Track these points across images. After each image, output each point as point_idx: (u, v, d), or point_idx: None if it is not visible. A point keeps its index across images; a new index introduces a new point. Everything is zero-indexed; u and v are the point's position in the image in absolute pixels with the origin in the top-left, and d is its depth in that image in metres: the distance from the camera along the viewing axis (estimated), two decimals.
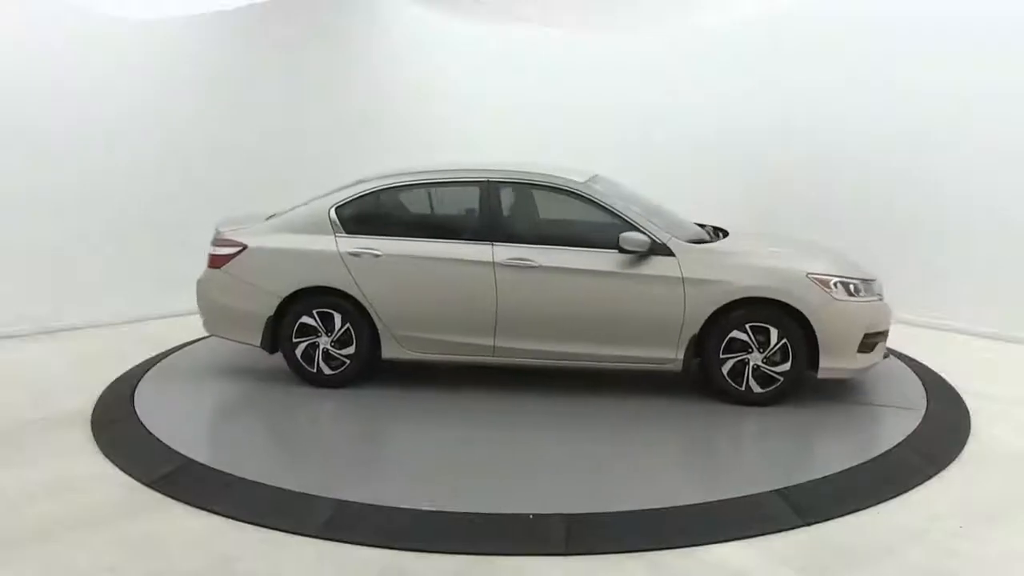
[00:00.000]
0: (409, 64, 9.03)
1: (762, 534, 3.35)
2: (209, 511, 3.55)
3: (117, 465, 4.05)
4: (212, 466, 3.97)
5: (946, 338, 6.69)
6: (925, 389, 5.20)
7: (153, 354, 5.95)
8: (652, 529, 3.42)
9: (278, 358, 5.30)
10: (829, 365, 4.72)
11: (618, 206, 5.00)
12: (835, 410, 4.86)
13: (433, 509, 3.51)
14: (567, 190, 5.06)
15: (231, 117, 7.72)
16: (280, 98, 8.03)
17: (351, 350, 5.14)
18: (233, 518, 3.49)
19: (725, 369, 4.82)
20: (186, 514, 3.55)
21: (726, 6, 8.32)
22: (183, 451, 4.14)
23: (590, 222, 5.02)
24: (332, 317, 5.13)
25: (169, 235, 7.34)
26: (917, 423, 4.58)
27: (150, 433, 4.40)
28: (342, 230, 5.19)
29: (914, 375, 5.52)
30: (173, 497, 3.69)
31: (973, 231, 6.77)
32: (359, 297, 5.06)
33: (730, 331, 4.76)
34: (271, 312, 5.14)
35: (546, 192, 5.16)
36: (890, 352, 5.90)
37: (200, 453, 4.12)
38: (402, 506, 3.56)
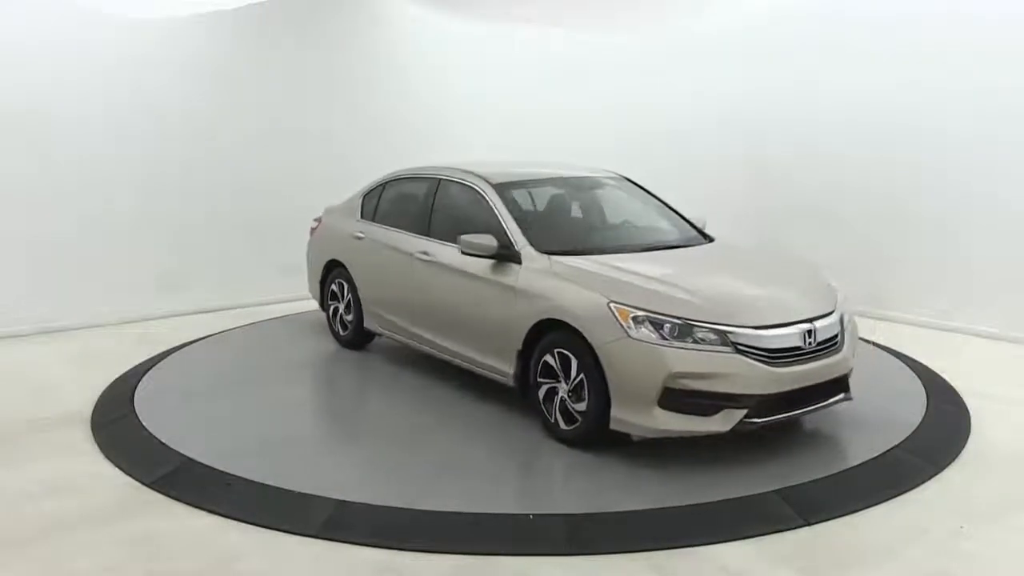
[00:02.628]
0: (409, 64, 9.03)
1: (762, 534, 3.35)
2: (209, 511, 3.54)
3: (117, 465, 4.05)
4: (212, 466, 3.97)
5: (946, 338, 6.68)
6: (925, 389, 5.19)
7: (153, 354, 5.95)
8: (652, 529, 3.42)
9: (278, 358, 5.34)
10: (619, 415, 3.90)
11: (503, 207, 4.78)
12: (835, 410, 4.84)
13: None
14: (471, 187, 5.09)
15: (231, 117, 7.71)
16: (281, 98, 8.03)
17: (351, 319, 5.98)
18: (233, 518, 3.49)
19: (540, 394, 4.31)
20: (186, 514, 3.55)
21: (726, 5, 8.32)
22: (183, 451, 4.13)
23: (480, 221, 4.86)
24: (344, 288, 6.04)
25: (169, 235, 7.34)
26: (917, 423, 4.58)
27: (150, 433, 4.40)
28: (360, 215, 6.03)
29: (914, 375, 5.51)
30: (173, 497, 3.68)
31: (973, 231, 6.76)
32: (352, 274, 5.90)
33: (544, 354, 4.26)
34: (319, 277, 6.31)
35: (464, 189, 5.18)
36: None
37: (200, 453, 4.11)
38: (402, 506, 3.56)
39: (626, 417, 3.89)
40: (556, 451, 4.22)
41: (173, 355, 5.99)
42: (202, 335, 6.50)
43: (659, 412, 3.81)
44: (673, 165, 8.79)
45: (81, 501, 3.67)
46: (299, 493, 3.68)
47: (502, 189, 4.97)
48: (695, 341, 3.80)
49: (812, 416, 4.74)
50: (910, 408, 4.83)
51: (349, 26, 8.56)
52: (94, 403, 4.93)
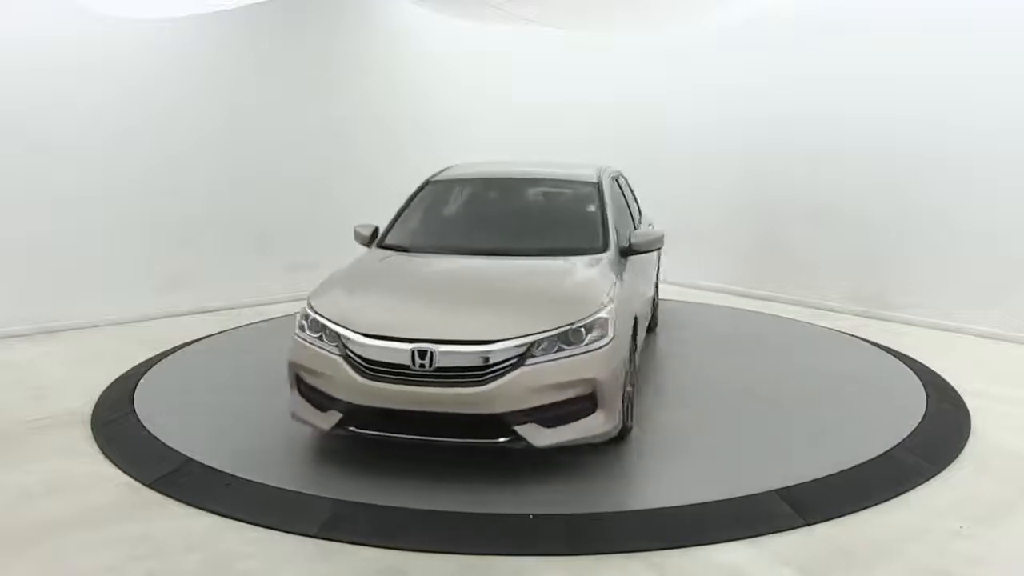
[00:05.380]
0: (410, 63, 9.03)
1: (762, 534, 3.35)
2: (209, 511, 3.54)
3: (117, 465, 4.05)
4: (212, 466, 3.97)
5: (946, 338, 6.68)
6: (925, 389, 5.19)
7: (153, 354, 5.95)
8: (652, 529, 3.42)
9: (278, 357, 5.29)
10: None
11: (411, 200, 5.33)
12: (835, 410, 4.85)
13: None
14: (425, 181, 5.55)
15: (231, 117, 7.72)
16: (281, 98, 8.04)
17: None
18: (233, 518, 3.49)
19: None
20: (186, 514, 3.55)
21: (726, 5, 8.32)
22: (183, 451, 4.14)
23: None
24: None
25: (169, 235, 7.34)
26: (917, 423, 4.58)
27: (150, 433, 4.40)
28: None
29: (914, 375, 5.52)
30: (173, 497, 3.68)
31: (973, 231, 6.76)
32: None
33: None
34: None
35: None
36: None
37: (200, 453, 4.12)
38: (402, 506, 3.56)
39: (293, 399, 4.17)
40: (556, 451, 4.22)
41: (173, 355, 5.99)
42: (202, 335, 6.50)
43: (296, 397, 4.13)
44: (673, 162, 8.80)
45: (81, 501, 3.66)
46: (299, 493, 3.68)
47: (435, 184, 5.46)
48: (322, 339, 3.98)
49: (812, 416, 4.74)
50: (910, 408, 4.83)
51: (349, 25, 8.56)
52: (94, 403, 4.94)
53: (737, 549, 3.25)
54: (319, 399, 3.97)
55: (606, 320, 3.88)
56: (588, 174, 5.41)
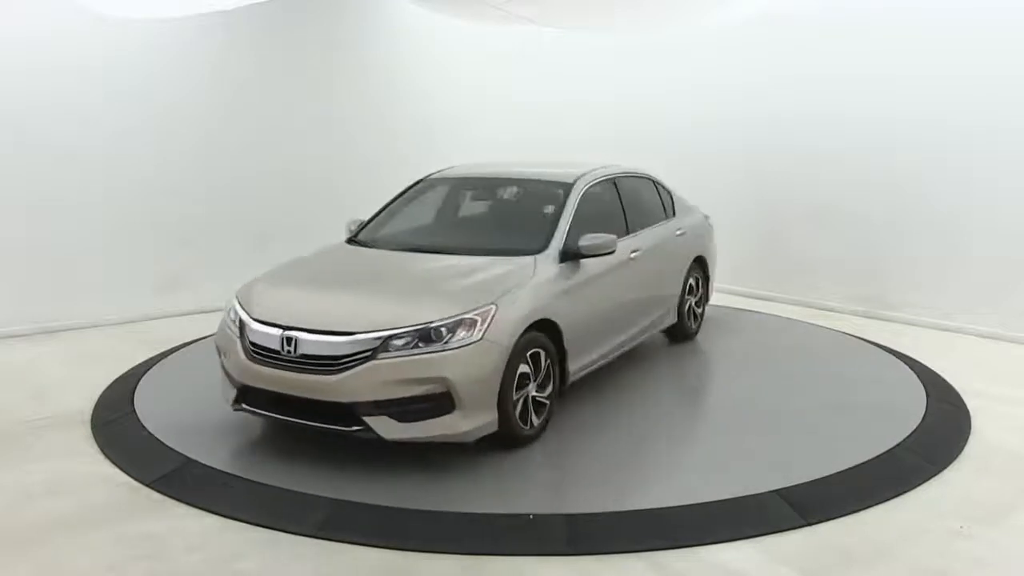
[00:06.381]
0: (411, 63, 9.03)
1: (762, 534, 3.35)
2: (209, 511, 3.54)
3: (117, 465, 4.05)
4: (212, 466, 3.97)
5: (946, 338, 6.68)
6: (925, 389, 5.19)
7: (153, 354, 5.95)
8: (652, 529, 3.42)
9: None
10: None
11: (395, 197, 5.60)
12: (835, 410, 4.85)
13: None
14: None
15: (232, 117, 7.71)
16: (281, 98, 8.03)
17: None
18: (233, 518, 3.49)
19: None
20: (186, 514, 3.55)
21: (727, 4, 8.32)
22: (183, 451, 4.14)
23: None
24: None
25: (169, 235, 7.34)
26: (917, 423, 4.58)
27: (150, 433, 4.40)
28: None
29: (914, 375, 5.51)
30: (173, 497, 3.68)
31: (973, 231, 6.76)
32: None
33: None
34: None
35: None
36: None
37: (200, 453, 4.12)
38: (402, 506, 3.56)
39: None
40: (556, 451, 4.22)
41: (173, 355, 5.99)
42: (202, 335, 6.49)
43: (221, 375, 4.38)
44: (674, 161, 8.80)
45: (81, 501, 3.67)
46: (299, 493, 3.68)
47: (420, 185, 5.66)
48: (234, 323, 4.27)
49: (812, 416, 4.75)
50: (910, 408, 4.83)
51: (350, 25, 8.56)
52: (94, 403, 4.93)
53: (737, 549, 3.25)
54: (226, 377, 4.29)
55: (474, 321, 3.89)
56: (566, 175, 5.28)
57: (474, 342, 3.85)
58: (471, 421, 3.87)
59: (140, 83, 7.10)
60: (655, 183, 6.22)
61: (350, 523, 3.45)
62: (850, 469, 3.95)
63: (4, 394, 5.19)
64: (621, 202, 5.58)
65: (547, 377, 4.33)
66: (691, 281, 6.29)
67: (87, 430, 4.53)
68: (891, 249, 7.32)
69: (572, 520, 3.47)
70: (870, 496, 3.69)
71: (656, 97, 9.02)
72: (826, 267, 7.82)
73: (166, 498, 3.69)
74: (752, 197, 8.41)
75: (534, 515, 3.51)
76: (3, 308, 6.45)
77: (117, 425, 4.58)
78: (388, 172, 7.52)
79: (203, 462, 4.01)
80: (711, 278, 6.74)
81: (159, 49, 7.18)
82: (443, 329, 3.84)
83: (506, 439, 4.12)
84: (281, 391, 3.96)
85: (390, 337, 3.80)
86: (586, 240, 4.68)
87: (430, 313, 3.87)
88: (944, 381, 5.40)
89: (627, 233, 5.38)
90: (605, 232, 4.81)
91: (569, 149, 7.85)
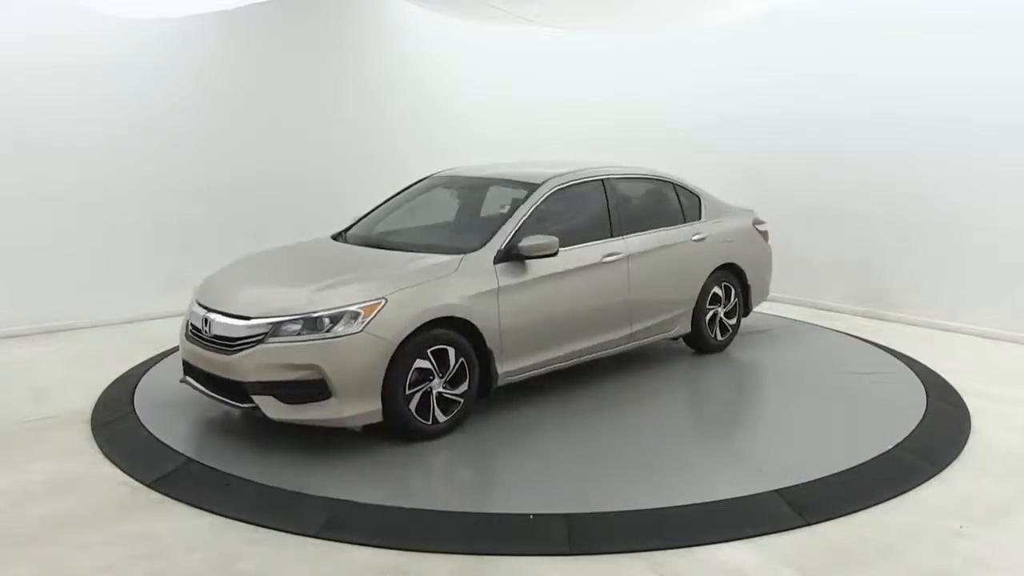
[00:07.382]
0: (411, 62, 9.03)
1: (762, 534, 3.35)
2: (209, 511, 3.55)
3: (117, 465, 4.05)
4: (212, 466, 3.97)
5: (946, 338, 6.68)
6: (925, 389, 5.19)
7: (153, 354, 5.95)
8: (652, 529, 3.42)
9: None
10: None
11: (389, 198, 5.76)
12: (835, 410, 4.85)
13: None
14: None
15: (232, 118, 7.71)
16: (281, 98, 8.03)
17: None
18: (233, 518, 3.49)
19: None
20: (186, 514, 3.55)
21: (727, 4, 8.31)
22: (183, 451, 4.14)
23: None
24: None
25: (169, 235, 7.34)
26: (917, 423, 4.58)
27: (150, 433, 4.40)
28: None
29: (914, 375, 5.51)
30: (173, 497, 3.69)
31: (973, 231, 6.76)
32: None
33: None
34: None
35: None
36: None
37: (200, 453, 4.13)
38: (402, 506, 3.56)
39: None
40: (556, 451, 4.22)
41: (173, 355, 5.96)
42: None
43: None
44: (673, 164, 8.78)
45: (81, 501, 3.67)
46: (299, 493, 3.68)
47: (413, 186, 5.79)
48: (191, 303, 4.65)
49: (812, 416, 4.75)
50: (910, 408, 4.83)
51: (350, 25, 8.56)
52: (94, 403, 4.94)
53: (737, 549, 3.25)
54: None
55: (357, 314, 4.03)
56: (537, 176, 5.17)
57: (353, 333, 4.00)
58: (351, 408, 4.02)
59: (140, 83, 7.10)
60: (675, 186, 5.98)
61: (350, 523, 3.45)
62: (850, 469, 3.95)
63: (4, 394, 5.19)
64: (608, 204, 5.34)
65: (460, 375, 4.34)
66: (716, 290, 5.93)
67: (87, 430, 4.53)
68: (891, 249, 7.32)
69: (572, 520, 3.47)
70: (870, 496, 3.69)
71: (656, 97, 9.02)
72: (826, 267, 7.83)
73: (166, 498, 3.69)
74: (752, 197, 8.38)
75: (534, 515, 3.51)
76: (3, 308, 6.45)
77: (117, 425, 4.58)
78: (388, 172, 7.53)
79: (203, 462, 4.01)
80: (753, 288, 6.26)
81: (159, 49, 7.18)
82: (326, 319, 4.02)
83: (400, 432, 4.21)
84: (200, 367, 4.37)
85: (280, 323, 4.04)
86: (526, 241, 4.61)
87: (318, 304, 4.07)
88: (944, 381, 5.40)
89: (611, 236, 5.22)
90: (586, 234, 4.85)
91: (569, 149, 7.84)
